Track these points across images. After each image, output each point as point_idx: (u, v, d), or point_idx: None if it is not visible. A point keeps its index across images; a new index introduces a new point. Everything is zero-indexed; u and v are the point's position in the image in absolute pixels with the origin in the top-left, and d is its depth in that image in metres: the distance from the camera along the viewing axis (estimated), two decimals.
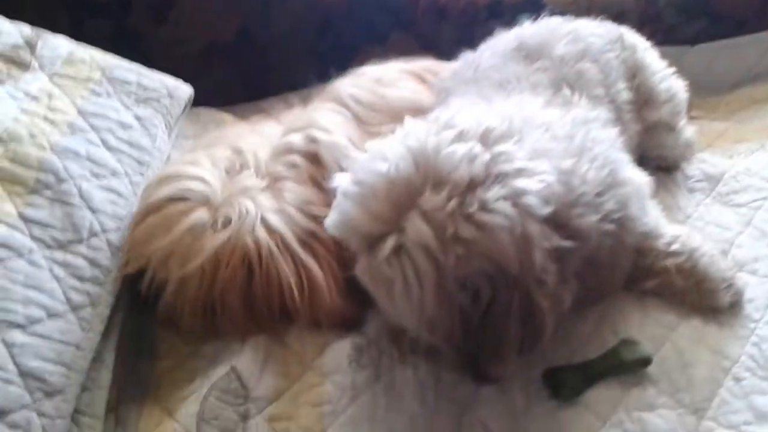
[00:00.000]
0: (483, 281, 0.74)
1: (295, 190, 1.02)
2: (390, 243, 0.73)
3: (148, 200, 0.99)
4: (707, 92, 1.65)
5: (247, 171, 1.04)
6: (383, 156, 0.78)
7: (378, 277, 0.77)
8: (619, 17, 1.60)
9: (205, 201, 0.97)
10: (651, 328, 0.94)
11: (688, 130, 1.35)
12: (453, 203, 0.72)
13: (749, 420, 0.84)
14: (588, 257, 0.84)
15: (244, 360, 0.93)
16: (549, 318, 0.77)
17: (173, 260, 0.93)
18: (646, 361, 0.89)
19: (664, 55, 1.62)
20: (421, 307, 0.75)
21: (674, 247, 0.99)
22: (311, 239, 0.99)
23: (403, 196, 0.74)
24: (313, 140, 1.09)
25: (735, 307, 0.97)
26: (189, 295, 0.94)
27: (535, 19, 1.29)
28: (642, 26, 1.62)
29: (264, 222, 0.96)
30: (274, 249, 0.94)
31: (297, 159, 1.07)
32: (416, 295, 0.74)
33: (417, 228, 0.72)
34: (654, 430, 0.83)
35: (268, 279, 0.93)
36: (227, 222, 0.95)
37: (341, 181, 0.81)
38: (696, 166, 1.29)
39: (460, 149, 0.76)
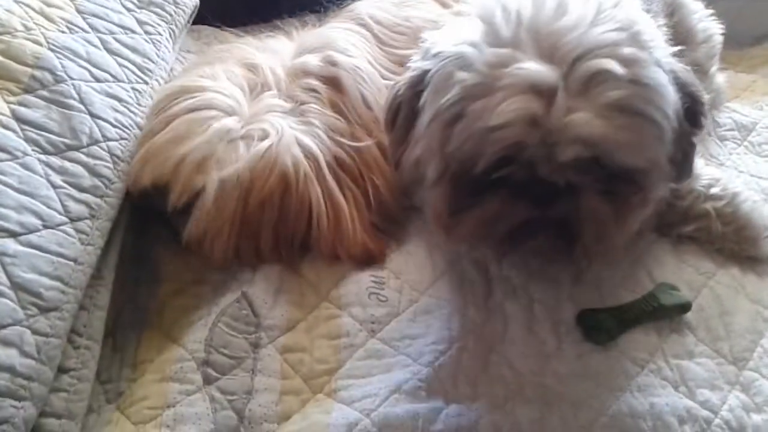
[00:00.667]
0: None
1: (320, 115, 0.94)
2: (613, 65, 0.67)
3: (166, 113, 0.90)
4: (730, 45, 1.58)
5: (269, 91, 0.96)
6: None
7: (614, 111, 0.67)
8: None
9: (234, 113, 0.89)
10: (688, 275, 0.89)
11: (720, 77, 1.29)
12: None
13: None
14: None
15: (256, 287, 0.86)
16: None
17: (210, 164, 0.84)
18: (684, 307, 0.84)
19: None
20: (663, 120, 0.70)
21: (714, 190, 0.94)
22: (339, 168, 0.92)
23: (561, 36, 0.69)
24: (332, 62, 0.99)
25: None
26: (227, 209, 0.85)
27: None
28: None
29: (300, 142, 0.89)
30: (309, 172, 0.87)
31: (316, 83, 0.98)
32: (655, 111, 0.69)
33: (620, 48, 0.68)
34: (694, 377, 0.79)
35: (301, 203, 0.86)
36: (264, 136, 0.87)
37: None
38: (727, 115, 1.24)
39: None
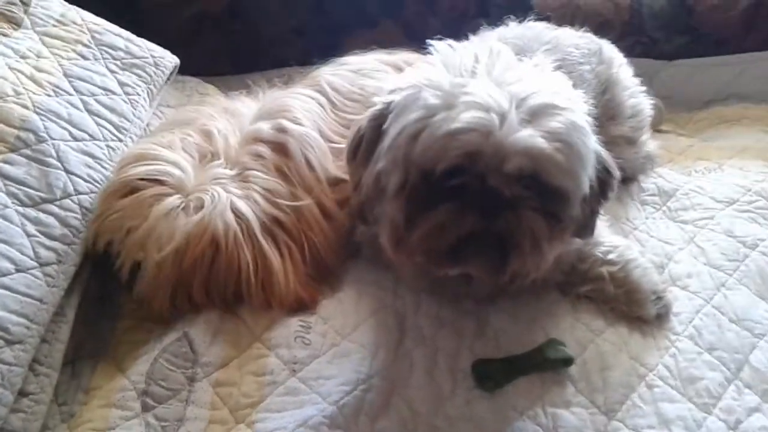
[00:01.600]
0: None
1: (261, 180, 1.07)
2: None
3: (123, 176, 1.04)
4: (680, 107, 1.72)
5: (217, 160, 1.09)
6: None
7: (552, 136, 0.82)
8: (603, 26, 1.66)
9: (180, 186, 1.03)
10: (579, 332, 1.01)
11: (651, 145, 1.41)
12: None
13: (653, 424, 0.91)
14: None
15: (197, 328, 0.99)
16: None
17: (150, 244, 0.99)
18: (567, 361, 0.95)
19: (642, 67, 1.68)
20: (587, 156, 0.86)
21: (611, 256, 1.06)
22: (275, 226, 1.05)
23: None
24: (282, 130, 1.14)
25: (661, 319, 1.04)
26: (163, 277, 0.99)
27: (521, 21, 1.34)
28: (624, 37, 1.69)
29: (233, 207, 1.02)
30: (239, 234, 1.00)
31: (264, 150, 1.12)
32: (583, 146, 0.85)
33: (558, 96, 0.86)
34: (565, 425, 0.90)
35: (229, 262, 1.00)
36: (199, 206, 1.01)
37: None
38: (652, 180, 1.35)
39: None
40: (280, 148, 1.12)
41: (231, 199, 1.02)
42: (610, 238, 1.10)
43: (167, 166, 1.03)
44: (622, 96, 1.31)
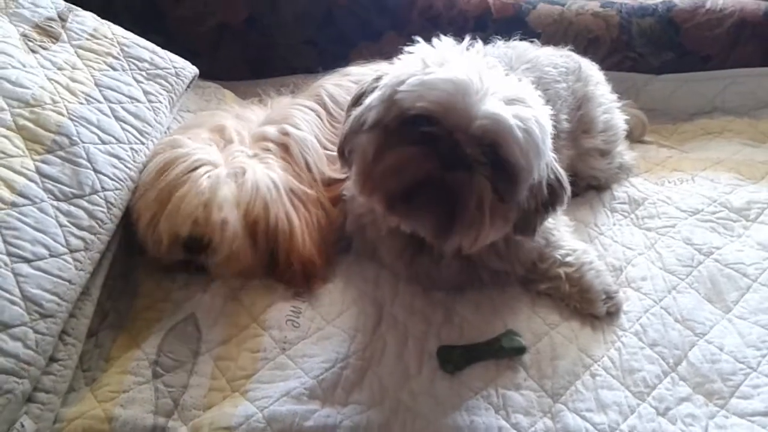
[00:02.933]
0: None
1: (274, 162, 1.24)
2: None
3: (168, 177, 1.18)
4: (666, 119, 1.83)
5: (233, 144, 1.25)
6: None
7: (514, 115, 0.96)
8: (593, 42, 1.78)
9: (215, 162, 1.19)
10: (536, 324, 1.15)
11: (626, 155, 1.53)
12: None
13: (592, 408, 1.04)
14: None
15: (203, 309, 1.15)
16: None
17: (212, 212, 1.13)
18: (520, 350, 1.09)
19: (630, 81, 1.80)
20: (542, 145, 0.99)
21: (569, 258, 1.19)
22: (294, 197, 1.22)
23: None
24: (285, 133, 1.30)
25: (612, 316, 1.17)
26: (241, 237, 1.16)
27: (514, 37, 1.46)
28: (613, 52, 1.81)
29: (268, 174, 1.20)
30: (275, 195, 1.18)
31: (271, 145, 1.28)
32: (540, 134, 0.98)
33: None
34: (513, 404, 1.04)
35: (269, 223, 1.17)
36: (242, 173, 1.18)
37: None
38: (624, 189, 1.48)
39: None
40: (284, 148, 1.28)
41: (262, 168, 1.20)
42: (571, 242, 1.23)
43: (196, 149, 1.20)
44: (596, 111, 1.44)
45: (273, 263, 1.21)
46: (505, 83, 1.01)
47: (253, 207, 1.17)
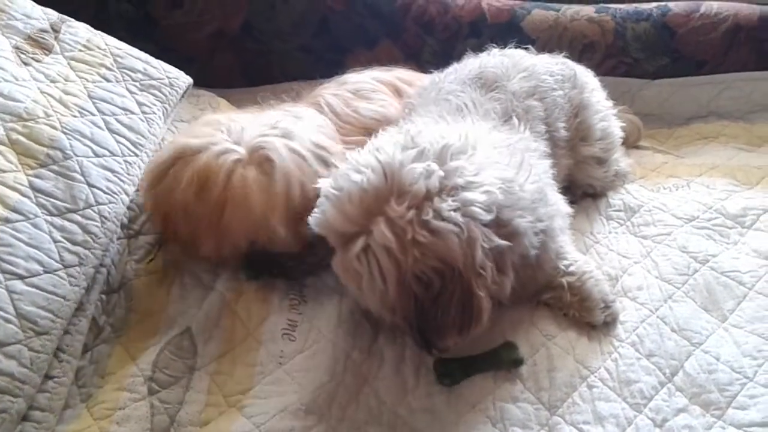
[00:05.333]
0: (434, 275, 0.94)
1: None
2: (359, 243, 0.94)
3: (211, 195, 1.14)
4: (661, 124, 1.83)
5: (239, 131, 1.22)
6: (358, 167, 0.99)
7: (349, 270, 0.98)
8: (588, 47, 1.78)
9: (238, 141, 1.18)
10: (533, 336, 1.14)
11: (623, 162, 1.53)
12: (412, 212, 0.93)
13: (589, 420, 1.04)
14: (522, 254, 1.04)
15: (198, 323, 1.14)
16: (485, 303, 0.98)
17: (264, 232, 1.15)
18: (518, 363, 1.09)
19: (625, 86, 1.80)
20: (383, 296, 0.97)
21: (571, 268, 1.19)
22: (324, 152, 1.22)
23: (372, 203, 0.95)
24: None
25: (608, 326, 1.17)
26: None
27: (509, 44, 1.46)
28: (608, 58, 1.81)
29: (291, 147, 1.19)
30: (307, 169, 1.17)
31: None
32: (379, 287, 0.95)
33: (382, 232, 0.93)
34: (510, 417, 1.04)
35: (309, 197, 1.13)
36: (267, 160, 1.16)
37: (323, 185, 1.02)
38: (620, 197, 1.47)
39: (419, 167, 0.96)
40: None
41: (283, 142, 1.18)
42: (573, 253, 1.22)
43: (221, 142, 1.18)
44: (593, 119, 1.43)
45: None
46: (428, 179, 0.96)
47: (292, 197, 1.15)
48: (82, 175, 1.19)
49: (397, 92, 1.53)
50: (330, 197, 0.99)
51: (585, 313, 1.16)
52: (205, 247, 1.18)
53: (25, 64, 1.29)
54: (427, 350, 1.04)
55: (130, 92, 1.38)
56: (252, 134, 1.19)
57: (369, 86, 1.50)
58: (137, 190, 1.27)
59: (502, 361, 1.09)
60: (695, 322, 1.18)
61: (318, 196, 1.03)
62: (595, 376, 1.10)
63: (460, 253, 0.93)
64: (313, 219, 1.01)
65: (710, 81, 1.81)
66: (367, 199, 0.95)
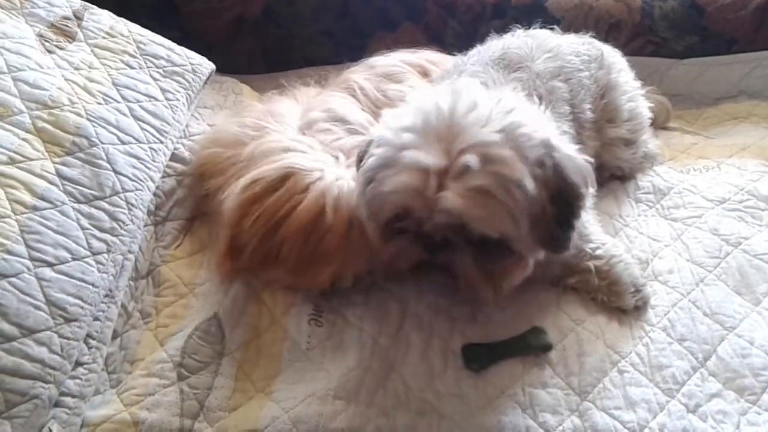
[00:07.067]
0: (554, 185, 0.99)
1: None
2: (473, 160, 0.92)
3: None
4: (690, 104, 1.79)
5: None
6: (414, 113, 1.00)
7: (473, 193, 0.93)
8: (614, 27, 1.74)
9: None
10: (562, 321, 1.13)
11: (651, 144, 1.50)
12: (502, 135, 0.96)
13: (620, 405, 1.02)
14: None
15: (226, 309, 1.14)
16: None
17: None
18: (546, 348, 1.08)
19: (653, 66, 1.77)
20: (514, 204, 0.94)
21: (598, 251, 1.17)
22: None
23: (454, 132, 0.95)
24: (332, 111, 1.30)
25: (639, 310, 1.15)
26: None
27: (533, 25, 1.44)
28: (635, 37, 1.77)
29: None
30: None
31: (325, 124, 1.28)
32: (507, 196, 0.94)
33: (498, 145, 0.94)
34: (540, 402, 1.02)
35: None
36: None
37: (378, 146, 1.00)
38: (649, 179, 1.44)
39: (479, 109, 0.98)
40: (341, 120, 1.29)
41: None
42: (600, 236, 1.20)
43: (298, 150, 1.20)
44: (620, 100, 1.40)
45: None
46: (473, 134, 0.95)
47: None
48: (108, 162, 1.19)
49: (425, 74, 1.52)
50: (406, 143, 0.96)
51: (614, 298, 1.15)
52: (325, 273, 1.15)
53: (49, 51, 1.29)
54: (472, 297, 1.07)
55: (154, 79, 1.38)
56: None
57: (398, 69, 1.49)
58: (163, 177, 1.27)
59: (530, 346, 1.08)
60: (728, 306, 1.16)
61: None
62: (626, 361, 1.08)
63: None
64: (390, 181, 0.96)
65: (740, 60, 1.77)
66: (446, 130, 0.96)
